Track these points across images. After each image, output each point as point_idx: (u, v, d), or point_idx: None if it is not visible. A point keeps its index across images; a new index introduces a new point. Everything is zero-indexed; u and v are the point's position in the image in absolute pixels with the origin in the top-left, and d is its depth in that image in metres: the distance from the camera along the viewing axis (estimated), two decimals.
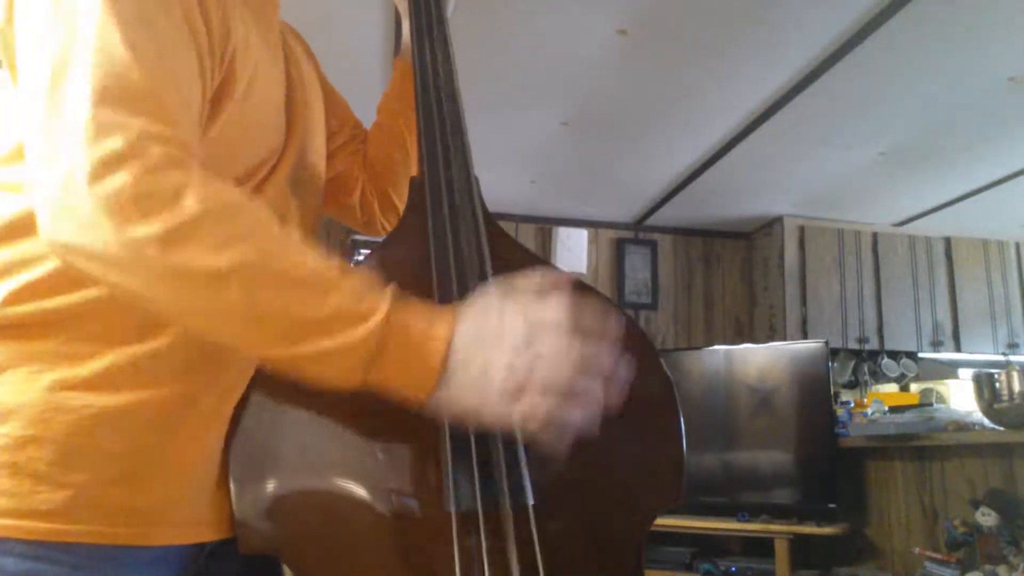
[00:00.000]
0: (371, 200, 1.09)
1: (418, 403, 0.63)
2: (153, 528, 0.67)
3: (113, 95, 0.58)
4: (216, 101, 0.70)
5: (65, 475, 0.63)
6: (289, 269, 0.60)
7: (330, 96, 1.02)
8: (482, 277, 0.79)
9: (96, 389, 0.65)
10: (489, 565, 0.68)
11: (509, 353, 0.61)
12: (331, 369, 0.61)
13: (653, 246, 4.75)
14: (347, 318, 0.60)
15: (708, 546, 3.42)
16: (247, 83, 0.73)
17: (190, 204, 0.57)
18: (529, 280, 0.66)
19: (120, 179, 0.56)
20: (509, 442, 0.72)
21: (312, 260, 0.61)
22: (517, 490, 0.71)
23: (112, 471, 0.65)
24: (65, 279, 0.65)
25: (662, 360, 0.82)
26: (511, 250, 0.86)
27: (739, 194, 4.24)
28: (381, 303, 0.61)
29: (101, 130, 0.57)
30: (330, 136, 1.02)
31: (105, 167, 0.56)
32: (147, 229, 0.56)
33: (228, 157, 0.73)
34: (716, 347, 3.97)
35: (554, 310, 0.63)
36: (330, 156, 1.01)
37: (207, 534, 0.71)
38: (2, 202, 0.67)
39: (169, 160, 0.58)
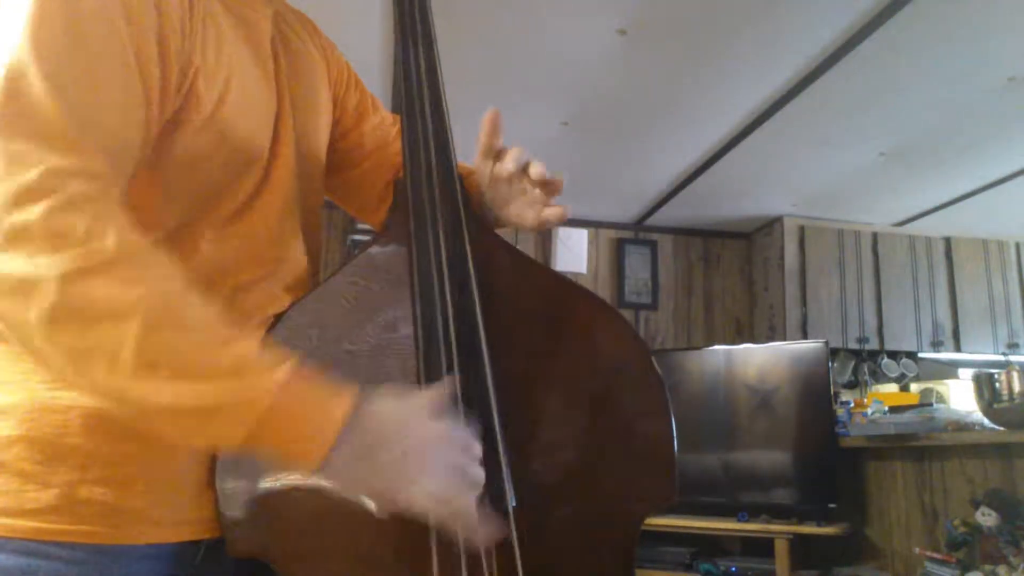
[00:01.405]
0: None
1: (303, 467, 0.61)
2: (139, 527, 0.67)
3: (27, 129, 0.57)
4: (178, 121, 0.70)
5: (52, 474, 0.63)
6: (192, 317, 0.59)
7: (346, 97, 1.00)
8: (464, 277, 0.79)
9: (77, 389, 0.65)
10: (467, 569, 0.68)
11: (403, 444, 0.63)
12: (219, 423, 0.58)
13: (653, 246, 4.75)
14: (246, 370, 0.58)
15: (708, 546, 3.42)
16: (216, 100, 0.72)
17: (98, 245, 0.56)
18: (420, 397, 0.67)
19: (31, 213, 0.55)
20: (491, 446, 0.72)
21: (215, 315, 0.61)
22: (499, 494, 0.71)
23: (98, 471, 0.65)
24: None
25: (654, 360, 0.81)
26: (496, 250, 0.85)
27: (739, 194, 4.24)
28: (283, 365, 0.59)
29: (13, 163, 0.56)
30: (342, 136, 1.01)
31: (16, 200, 0.55)
32: (53, 264, 0.55)
33: (192, 173, 0.73)
34: (716, 347, 3.97)
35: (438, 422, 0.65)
36: (353, 169, 1.01)
37: (194, 532, 0.71)
38: None
39: (82, 197, 0.57)
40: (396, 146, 1.03)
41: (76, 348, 0.57)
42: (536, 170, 0.80)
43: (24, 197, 0.55)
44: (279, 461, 0.63)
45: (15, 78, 0.58)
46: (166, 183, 0.71)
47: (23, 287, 0.55)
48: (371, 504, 0.64)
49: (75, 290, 0.55)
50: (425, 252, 0.79)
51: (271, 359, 0.60)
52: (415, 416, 0.65)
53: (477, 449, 0.68)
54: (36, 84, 0.58)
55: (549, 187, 0.83)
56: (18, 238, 0.55)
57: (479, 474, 0.66)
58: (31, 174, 0.56)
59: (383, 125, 1.04)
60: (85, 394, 0.63)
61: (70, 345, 0.57)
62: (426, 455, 0.64)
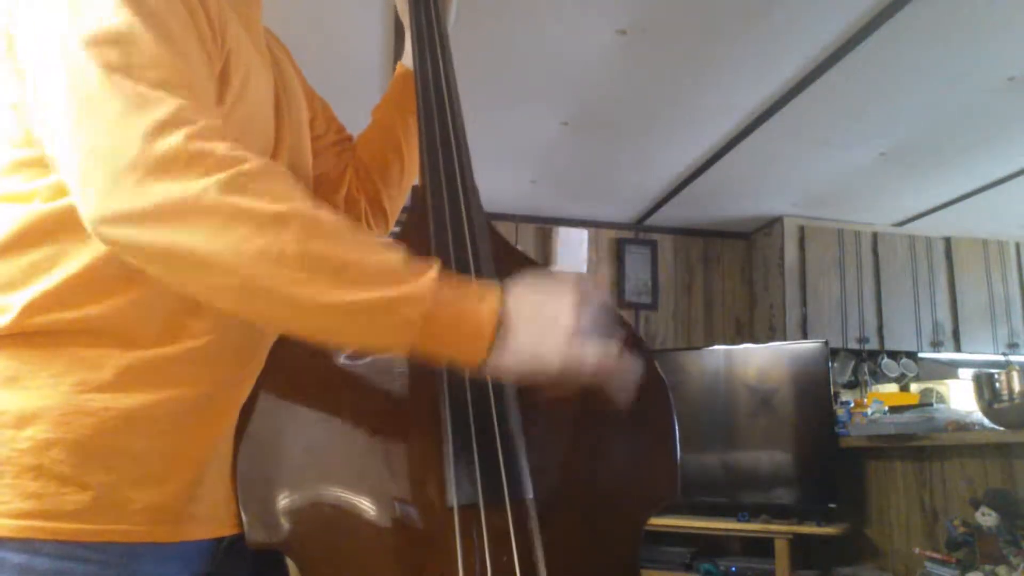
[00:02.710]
0: (358, 199, 1.10)
1: (471, 361, 0.64)
2: (176, 525, 0.68)
3: (149, 76, 0.60)
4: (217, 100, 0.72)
5: (89, 476, 0.64)
6: (342, 225, 0.62)
7: (312, 99, 1.04)
8: (483, 279, 0.80)
9: (116, 391, 0.66)
10: (491, 558, 0.69)
11: (558, 321, 0.64)
12: (385, 323, 0.61)
13: (653, 246, 4.75)
14: (403, 271, 0.61)
15: (708, 546, 3.42)
16: (241, 83, 0.74)
17: (245, 162, 0.60)
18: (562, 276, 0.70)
19: (174, 139, 0.58)
20: (508, 438, 0.73)
21: (357, 224, 0.64)
22: (516, 484, 0.72)
23: (134, 471, 0.66)
24: (82, 288, 0.66)
25: (655, 361, 0.83)
26: (513, 258, 0.88)
27: (739, 194, 4.24)
28: (432, 267, 0.63)
29: (143, 103, 0.59)
30: (316, 137, 1.03)
31: (157, 130, 0.58)
32: (205, 183, 0.58)
33: None
34: (716, 347, 3.97)
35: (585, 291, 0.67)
36: (316, 155, 1.02)
37: (226, 528, 0.72)
38: (6, 212, 0.68)
39: (214, 130, 0.61)
40: (333, 126, 1.08)
41: (241, 254, 0.58)
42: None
43: (162, 128, 0.58)
44: (447, 358, 0.65)
45: (125, 35, 0.61)
46: None
47: (180, 212, 0.57)
48: (550, 370, 0.65)
49: (233, 201, 0.58)
50: (445, 254, 0.80)
51: (420, 263, 0.62)
52: (549, 291, 0.67)
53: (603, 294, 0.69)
54: (146, 38, 0.61)
55: None
56: (167, 162, 0.58)
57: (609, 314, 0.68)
58: (164, 109, 0.59)
59: (325, 108, 1.08)
60: (267, 308, 0.63)
61: (238, 255, 0.58)
62: (572, 317, 0.65)
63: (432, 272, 0.62)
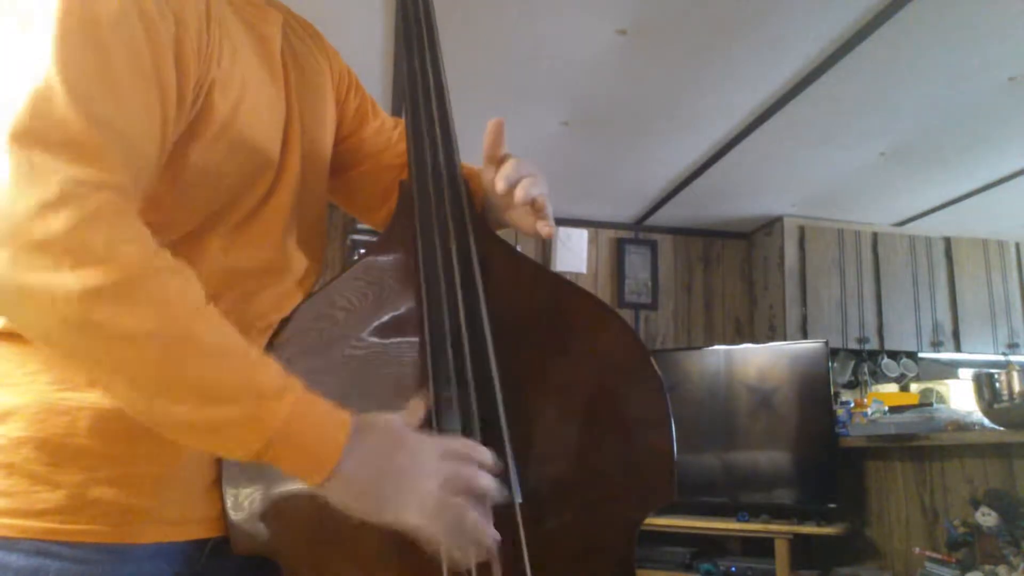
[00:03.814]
0: None
1: (308, 483, 0.63)
2: (147, 526, 0.67)
3: (51, 141, 0.57)
4: (193, 130, 0.70)
5: (61, 475, 0.64)
6: (208, 339, 0.60)
7: (345, 101, 1.01)
8: (469, 279, 0.80)
9: (91, 390, 0.66)
10: (476, 568, 0.68)
11: (396, 465, 0.64)
12: (226, 441, 0.61)
13: (653, 246, 4.75)
14: (257, 393, 0.60)
15: (708, 546, 3.42)
16: (231, 109, 0.73)
17: (118, 263, 0.57)
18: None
19: (54, 225, 0.55)
20: (498, 442, 0.73)
21: (233, 336, 0.62)
22: (504, 490, 0.71)
23: (108, 471, 0.66)
24: None
25: (653, 360, 0.82)
26: (500, 252, 0.86)
27: (739, 194, 4.24)
28: (291, 390, 0.61)
29: (36, 174, 0.56)
30: (372, 154, 1.02)
31: (40, 211, 0.55)
32: (76, 281, 0.55)
33: (204, 181, 0.73)
34: (716, 347, 3.97)
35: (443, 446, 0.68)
36: (371, 175, 1.02)
37: (201, 531, 0.71)
38: None
39: (106, 211, 0.57)
40: (397, 149, 1.03)
41: (97, 363, 0.58)
42: (519, 194, 0.80)
43: (47, 208, 0.55)
44: (286, 475, 0.64)
45: (41, 94, 0.58)
46: (179, 191, 0.72)
47: (45, 299, 0.55)
48: (384, 519, 0.65)
49: (95, 309, 0.55)
50: (431, 254, 0.80)
51: (280, 384, 0.61)
52: (409, 436, 0.67)
53: (480, 454, 0.68)
54: (60, 99, 0.58)
55: (536, 205, 0.84)
56: (42, 249, 0.55)
57: (482, 481, 0.67)
58: (53, 185, 0.56)
59: (383, 128, 1.05)
60: (109, 400, 0.64)
61: (91, 359, 0.58)
62: (418, 474, 0.65)
63: (290, 396, 0.61)
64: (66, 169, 0.56)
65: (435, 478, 0.65)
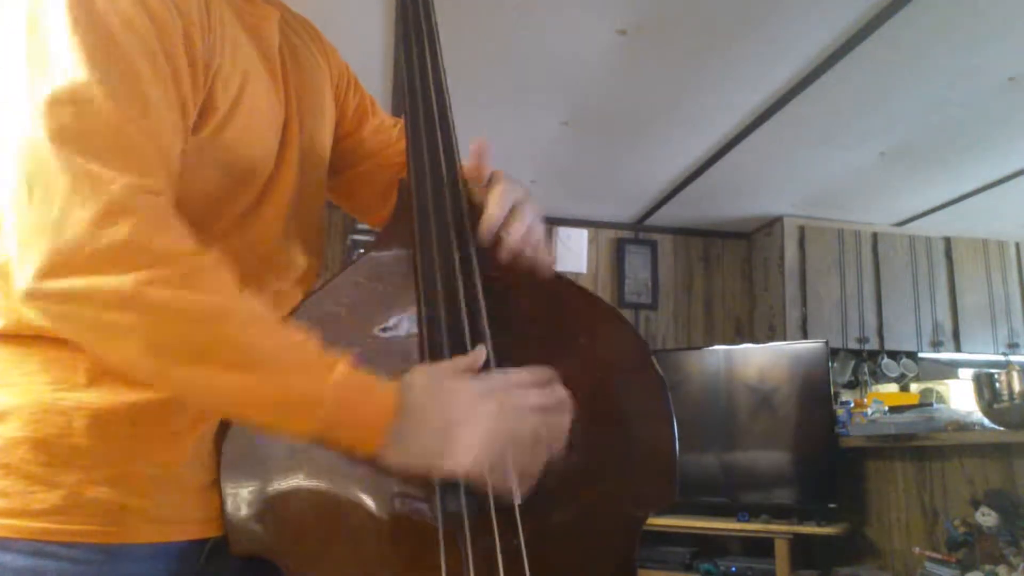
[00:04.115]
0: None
1: (365, 453, 0.65)
2: (145, 526, 0.67)
3: (102, 148, 0.59)
4: (196, 124, 0.71)
5: (57, 475, 0.64)
6: (262, 320, 0.64)
7: (345, 99, 1.01)
8: (468, 278, 0.79)
9: (89, 391, 0.66)
10: (475, 569, 0.68)
11: (460, 416, 0.66)
12: (292, 416, 0.63)
13: (653, 246, 4.75)
14: (311, 369, 0.63)
15: (708, 546, 3.42)
16: (231, 103, 0.73)
17: (179, 259, 0.60)
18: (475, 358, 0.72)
19: (119, 232, 0.58)
20: None
21: (275, 318, 0.65)
22: (505, 491, 0.71)
23: (103, 471, 0.66)
24: None
25: (654, 360, 0.82)
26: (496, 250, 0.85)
27: (739, 194, 4.24)
28: (340, 362, 0.63)
29: (95, 184, 0.58)
30: (370, 154, 1.02)
31: (104, 219, 0.58)
32: (142, 277, 0.58)
33: (202, 174, 0.73)
34: (716, 347, 3.97)
35: (499, 382, 0.70)
36: (371, 175, 1.02)
37: (200, 531, 0.71)
38: None
39: (159, 214, 0.61)
40: (397, 147, 1.03)
41: (164, 349, 0.60)
42: (509, 241, 0.79)
43: (110, 216, 0.58)
44: (345, 448, 0.65)
45: (78, 99, 0.60)
46: (181, 185, 0.72)
47: (122, 303, 0.58)
48: (448, 471, 0.66)
49: (161, 297, 0.59)
50: (429, 253, 0.80)
51: (329, 358, 0.63)
52: (449, 383, 0.68)
53: (519, 377, 0.71)
54: (101, 101, 0.60)
55: (529, 243, 0.82)
56: (110, 256, 0.58)
57: (529, 399, 0.69)
58: (114, 193, 0.59)
59: (383, 127, 1.05)
60: (175, 391, 0.66)
61: (158, 346, 0.60)
62: (467, 418, 0.66)
63: (338, 368, 0.63)
64: (120, 177, 0.59)
65: (482, 419, 0.67)
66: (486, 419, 0.67)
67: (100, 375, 0.66)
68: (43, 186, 0.58)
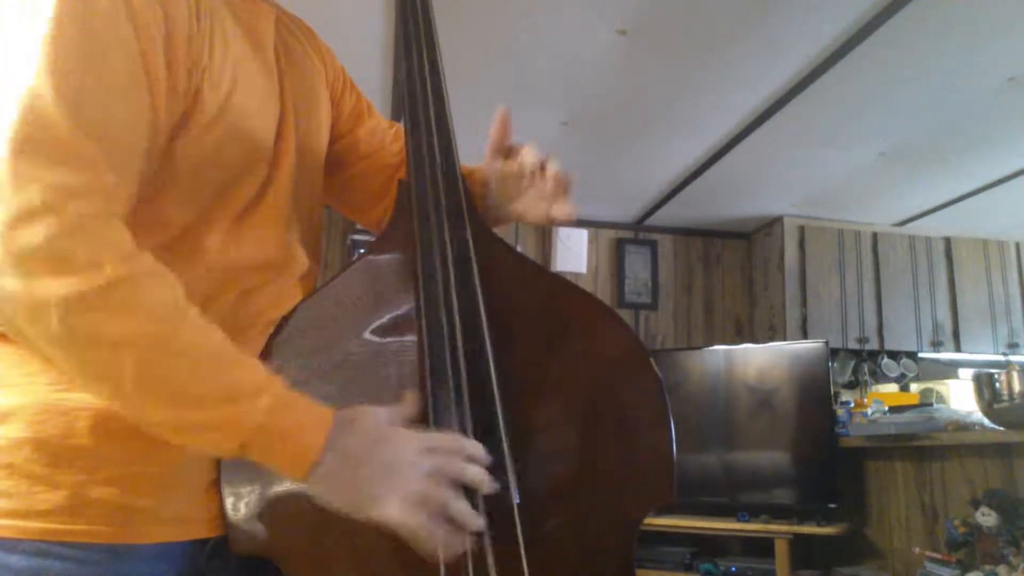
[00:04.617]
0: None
1: (291, 479, 0.65)
2: (147, 526, 0.67)
3: (34, 145, 0.58)
4: (185, 122, 0.70)
5: (60, 476, 0.64)
6: (187, 343, 0.61)
7: (341, 99, 1.01)
8: (467, 278, 0.80)
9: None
10: (474, 568, 0.68)
11: (379, 458, 0.65)
12: (207, 442, 0.63)
13: (653, 246, 4.75)
14: (232, 397, 0.61)
15: (708, 546, 3.42)
16: (223, 99, 0.73)
17: (97, 272, 0.58)
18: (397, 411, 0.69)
19: (34, 235, 0.56)
20: (495, 443, 0.73)
21: (212, 339, 0.63)
22: (503, 490, 0.71)
23: (106, 471, 0.66)
24: None
25: (652, 360, 0.82)
26: (498, 252, 0.86)
27: (739, 194, 4.24)
28: (270, 390, 0.62)
29: (18, 182, 0.57)
30: (365, 156, 1.02)
31: (19, 220, 0.56)
32: (54, 289, 0.56)
33: (195, 173, 0.73)
34: (716, 347, 3.97)
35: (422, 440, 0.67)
36: (364, 175, 1.02)
37: (201, 531, 0.71)
38: None
39: (86, 218, 0.58)
40: (391, 149, 1.04)
41: (81, 367, 0.60)
42: (554, 167, 0.83)
43: (28, 217, 0.56)
44: (271, 471, 0.65)
45: (31, 99, 0.59)
46: (174, 184, 0.72)
47: (29, 307, 0.57)
48: (365, 514, 0.65)
49: (74, 318, 0.57)
50: (429, 253, 0.80)
51: (257, 384, 0.62)
52: (392, 431, 0.67)
53: (469, 447, 0.69)
54: (50, 104, 0.59)
55: (563, 184, 0.86)
56: (23, 258, 0.56)
57: (468, 472, 0.67)
58: (34, 193, 0.57)
59: (378, 129, 1.05)
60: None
61: (76, 366, 0.60)
62: (400, 468, 0.65)
63: (266, 397, 0.62)
64: (47, 176, 0.58)
65: (418, 471, 0.65)
66: (418, 476, 0.65)
67: None
68: None
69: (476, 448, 0.69)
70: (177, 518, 0.69)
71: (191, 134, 0.71)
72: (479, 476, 0.68)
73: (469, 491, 0.68)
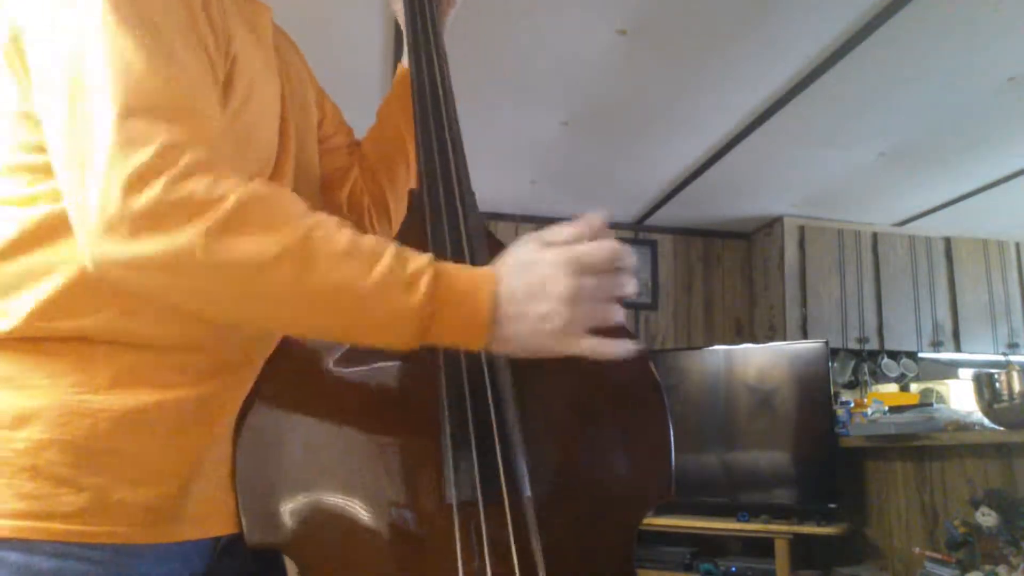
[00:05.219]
0: (361, 198, 1.10)
1: (475, 348, 0.67)
2: (172, 525, 0.68)
3: (134, 107, 0.59)
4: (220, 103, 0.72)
5: (84, 477, 0.64)
6: (332, 246, 0.62)
7: (323, 100, 1.04)
8: None
9: (113, 392, 0.66)
10: (490, 555, 0.69)
11: (551, 298, 0.65)
12: (387, 333, 0.63)
13: (653, 246, 4.75)
14: (396, 285, 0.62)
15: (708, 546, 3.42)
16: (245, 91, 0.74)
17: (226, 200, 0.59)
18: (557, 232, 0.72)
19: (154, 191, 0.57)
20: (507, 436, 0.74)
21: (350, 235, 0.63)
22: (515, 482, 0.72)
23: (130, 472, 0.66)
24: (79, 295, 0.66)
25: (650, 362, 0.84)
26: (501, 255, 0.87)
27: (739, 194, 4.24)
28: (426, 268, 0.63)
29: (127, 144, 0.58)
30: (324, 139, 1.03)
31: (138, 181, 0.57)
32: (190, 232, 0.57)
33: (234, 156, 0.74)
34: (716, 347, 3.97)
35: (580, 250, 0.70)
36: (323, 156, 1.02)
37: (222, 528, 0.72)
38: (6, 215, 0.68)
39: (197, 165, 0.60)
40: (343, 129, 1.09)
41: (240, 296, 0.60)
42: None
43: (142, 178, 0.57)
44: (449, 340, 0.66)
45: (115, 59, 0.60)
46: None
47: (168, 259, 0.58)
48: (550, 341, 0.66)
49: (223, 248, 0.58)
50: (442, 257, 0.81)
51: (416, 265, 0.63)
52: (543, 265, 0.68)
53: (610, 249, 0.72)
54: (135, 61, 0.60)
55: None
56: (149, 216, 0.57)
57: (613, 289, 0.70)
58: (147, 152, 0.58)
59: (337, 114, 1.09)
60: (272, 325, 0.67)
61: (233, 295, 0.60)
62: (567, 299, 0.66)
63: (427, 274, 0.63)
64: (156, 134, 0.59)
65: (581, 305, 0.67)
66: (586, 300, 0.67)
67: (122, 377, 0.67)
68: (85, 155, 0.59)
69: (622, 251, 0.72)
70: (196, 516, 0.70)
71: (223, 120, 0.72)
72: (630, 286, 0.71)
73: (489, 475, 0.70)
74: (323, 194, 1.08)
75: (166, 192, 0.57)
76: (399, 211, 1.12)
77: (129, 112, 0.59)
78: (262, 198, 0.61)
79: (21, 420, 0.64)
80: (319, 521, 0.71)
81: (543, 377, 0.82)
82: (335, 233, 0.62)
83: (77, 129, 0.59)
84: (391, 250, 0.63)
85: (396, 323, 0.62)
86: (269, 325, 0.65)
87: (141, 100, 0.60)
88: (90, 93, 0.59)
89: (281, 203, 0.62)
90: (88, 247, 0.59)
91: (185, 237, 0.57)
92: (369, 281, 0.61)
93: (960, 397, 4.30)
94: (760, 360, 3.65)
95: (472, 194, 0.88)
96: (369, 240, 0.63)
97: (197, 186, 0.59)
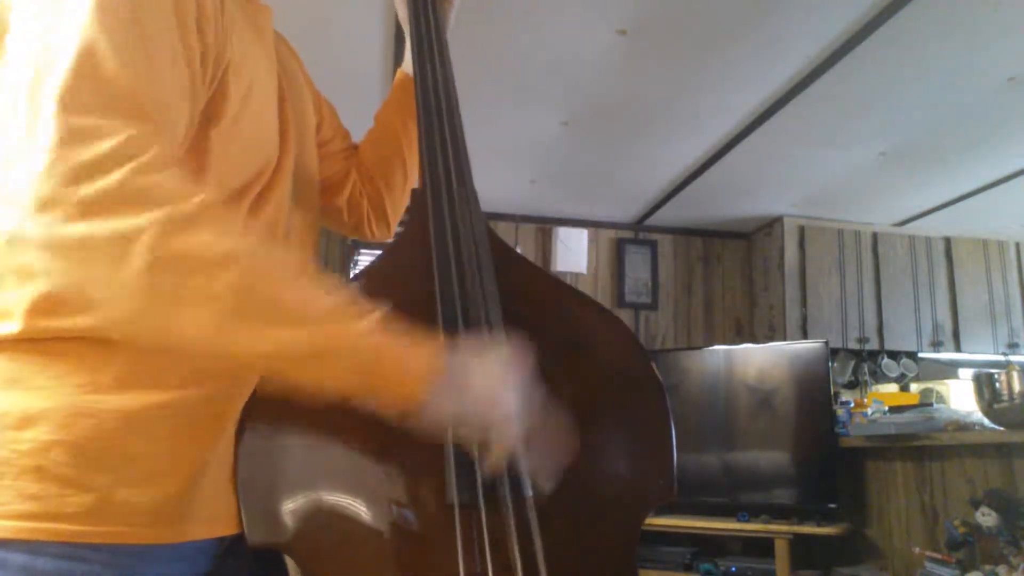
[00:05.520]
0: (360, 201, 1.10)
1: (405, 408, 0.66)
2: (178, 526, 0.68)
3: (101, 103, 0.58)
4: (206, 117, 0.71)
5: (90, 478, 0.64)
6: (283, 265, 0.62)
7: (320, 103, 1.04)
8: (484, 282, 0.81)
9: (118, 393, 0.66)
10: (491, 556, 0.69)
11: (481, 386, 0.68)
12: (322, 367, 0.62)
13: (653, 246, 4.75)
14: (343, 316, 0.62)
15: (708, 546, 3.42)
16: (243, 95, 0.74)
17: (189, 200, 0.58)
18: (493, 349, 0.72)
19: (107, 181, 0.56)
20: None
21: (300, 264, 0.63)
22: (515, 482, 0.72)
23: (135, 473, 0.66)
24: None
25: (652, 363, 0.84)
26: (511, 259, 0.89)
27: (739, 194, 4.24)
28: (374, 312, 0.63)
29: (85, 137, 0.56)
30: (322, 143, 1.04)
31: (86, 172, 0.55)
32: (141, 221, 0.56)
33: (222, 170, 0.73)
34: (716, 347, 3.97)
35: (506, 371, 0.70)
36: (321, 160, 1.03)
37: (226, 528, 0.72)
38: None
39: (163, 160, 0.59)
40: (341, 132, 1.09)
41: (176, 300, 0.58)
42: None
43: (96, 167, 0.56)
44: (383, 400, 0.66)
45: (86, 56, 0.59)
46: (205, 177, 0.72)
47: (112, 249, 0.56)
48: (465, 431, 0.68)
49: (171, 242, 0.56)
50: (445, 258, 0.81)
51: (361, 306, 0.63)
52: (489, 361, 0.70)
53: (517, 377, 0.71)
54: (108, 59, 0.59)
55: None
56: (96, 205, 0.55)
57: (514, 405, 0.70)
58: (105, 144, 0.56)
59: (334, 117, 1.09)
60: (186, 351, 0.64)
61: (170, 298, 0.58)
62: (497, 390, 0.68)
63: (375, 316, 0.63)
64: (121, 128, 0.57)
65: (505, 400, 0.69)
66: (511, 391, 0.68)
67: (127, 378, 0.67)
68: (32, 138, 0.57)
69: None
70: (201, 516, 0.70)
71: (219, 127, 0.72)
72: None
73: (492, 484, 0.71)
74: (322, 198, 1.09)
75: (122, 182, 0.56)
76: (396, 214, 1.13)
77: (90, 109, 0.57)
78: (218, 207, 0.60)
79: (27, 421, 0.63)
80: (320, 521, 0.71)
81: (545, 378, 0.82)
82: (284, 258, 0.63)
83: (34, 111, 0.57)
84: (342, 291, 0.63)
85: (339, 356, 0.61)
86: (196, 330, 0.59)
87: (109, 99, 0.59)
88: (54, 80, 0.58)
89: (229, 220, 0.62)
90: (19, 222, 0.56)
91: (132, 224, 0.55)
92: (320, 303, 0.61)
93: (960, 397, 4.30)
94: (760, 360, 3.65)
95: (475, 194, 0.88)
96: (321, 275, 0.64)
97: (162, 179, 0.58)
